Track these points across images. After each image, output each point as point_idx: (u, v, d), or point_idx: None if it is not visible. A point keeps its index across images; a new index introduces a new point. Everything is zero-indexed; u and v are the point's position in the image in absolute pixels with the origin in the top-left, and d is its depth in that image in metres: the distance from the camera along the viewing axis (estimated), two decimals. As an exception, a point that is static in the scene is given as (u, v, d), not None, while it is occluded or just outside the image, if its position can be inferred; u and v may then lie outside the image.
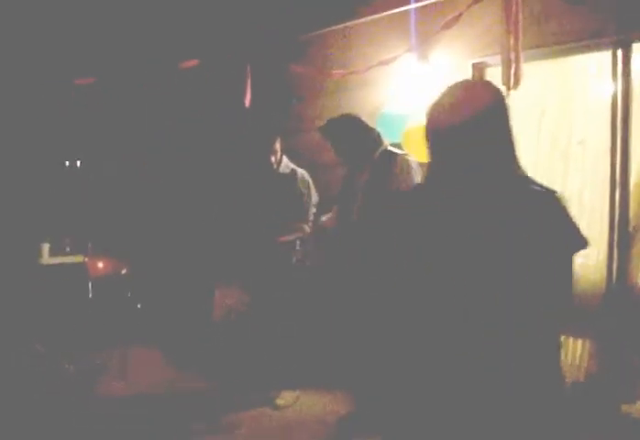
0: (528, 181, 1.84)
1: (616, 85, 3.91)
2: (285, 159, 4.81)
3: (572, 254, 1.79)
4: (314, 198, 4.80)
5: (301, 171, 4.80)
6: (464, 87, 2.03)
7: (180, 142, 6.29)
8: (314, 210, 4.78)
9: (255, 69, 5.09)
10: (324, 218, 4.52)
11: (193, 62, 4.97)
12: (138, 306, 5.68)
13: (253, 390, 4.76)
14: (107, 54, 5.85)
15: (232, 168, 5.35)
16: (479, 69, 4.58)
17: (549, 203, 1.78)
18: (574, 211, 1.80)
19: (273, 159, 4.72)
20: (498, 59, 4.08)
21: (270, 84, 5.49)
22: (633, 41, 3.85)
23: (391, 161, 3.90)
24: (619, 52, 3.89)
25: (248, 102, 5.01)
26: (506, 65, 3.90)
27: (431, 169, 1.99)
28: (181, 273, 6.04)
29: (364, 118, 4.14)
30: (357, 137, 4.00)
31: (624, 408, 3.73)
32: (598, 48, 3.96)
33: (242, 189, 4.92)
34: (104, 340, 5.39)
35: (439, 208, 1.89)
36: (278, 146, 4.74)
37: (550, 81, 4.35)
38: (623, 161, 3.91)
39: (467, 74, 4.53)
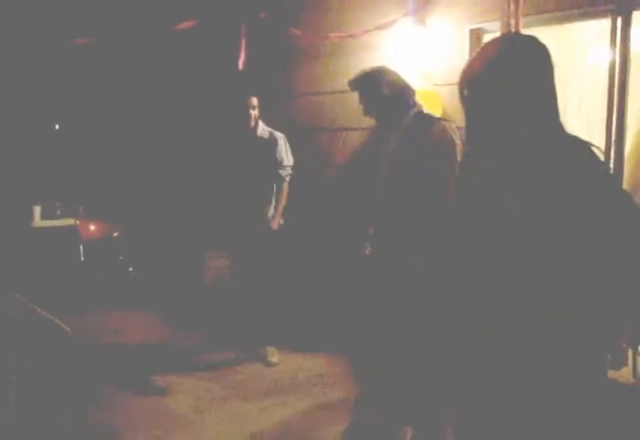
0: (572, 139, 1.81)
1: (614, 52, 3.86)
2: (261, 122, 4.72)
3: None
4: (291, 161, 4.79)
5: (279, 135, 4.75)
6: (505, 41, 1.96)
7: (171, 105, 6.24)
8: (290, 172, 4.78)
9: (250, 31, 5.01)
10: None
11: (190, 23, 4.87)
12: (130, 269, 5.67)
13: (244, 347, 4.86)
14: (101, 15, 5.75)
15: (217, 132, 5.28)
16: (476, 35, 4.51)
17: (594, 160, 1.77)
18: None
19: (252, 112, 4.62)
20: (496, 25, 4.08)
21: (265, 47, 5.42)
22: (633, 8, 3.80)
23: (426, 127, 3.24)
24: (618, 20, 3.84)
25: (242, 64, 4.97)
26: (506, 31, 3.88)
27: (471, 132, 1.93)
28: (172, 237, 6.03)
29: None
30: (385, 92, 3.33)
31: (612, 374, 3.78)
32: (598, 15, 3.92)
33: (224, 154, 4.85)
34: (97, 302, 5.42)
35: (492, 177, 1.84)
36: (255, 105, 4.63)
37: (549, 47, 4.31)
38: (618, 128, 3.88)
39: (464, 40, 4.50)
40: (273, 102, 4.80)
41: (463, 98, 1.89)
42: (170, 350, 4.94)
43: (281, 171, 4.72)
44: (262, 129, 4.72)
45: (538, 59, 1.83)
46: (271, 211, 4.75)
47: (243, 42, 4.97)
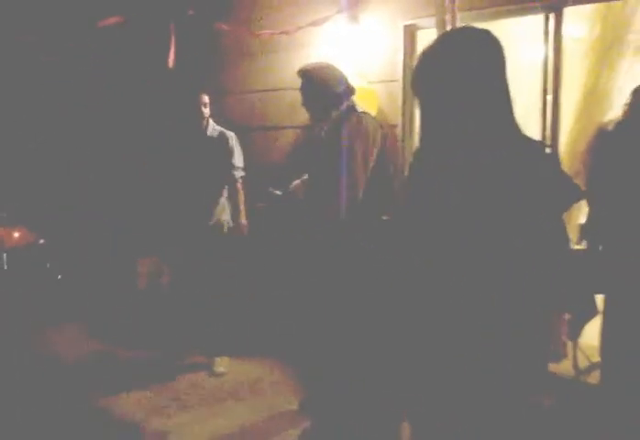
0: (522, 137, 1.80)
1: (547, 49, 3.91)
2: (212, 121, 4.61)
3: (571, 204, 1.80)
4: (242, 162, 4.67)
5: (230, 134, 4.63)
6: (456, 34, 1.93)
7: (101, 104, 5.96)
8: (242, 173, 4.65)
9: (179, 28, 4.86)
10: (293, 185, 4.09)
11: (115, 19, 4.67)
12: (59, 277, 5.41)
13: (185, 357, 4.72)
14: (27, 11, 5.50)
15: (157, 132, 5.11)
16: (410, 31, 4.48)
17: (545, 158, 1.79)
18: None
19: (204, 110, 4.51)
20: (431, 21, 4.02)
21: (195, 45, 5.28)
22: (564, 6, 3.84)
23: (348, 118, 3.45)
24: (551, 16, 3.88)
25: (171, 62, 4.78)
26: (441, 27, 3.85)
27: (424, 127, 1.88)
28: (102, 242, 5.78)
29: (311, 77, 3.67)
30: (320, 87, 3.57)
31: (552, 367, 3.82)
32: (531, 11, 3.94)
33: (169, 155, 4.70)
34: (23, 314, 5.15)
35: (439, 175, 1.81)
36: (206, 103, 4.52)
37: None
38: (553, 126, 3.93)
39: (398, 36, 4.46)
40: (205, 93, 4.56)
41: (416, 93, 1.85)
42: (105, 362, 4.73)
43: (234, 172, 4.59)
44: (213, 128, 4.60)
45: (491, 52, 1.77)
46: (224, 215, 4.63)
47: (172, 40, 4.78)
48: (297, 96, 4.43)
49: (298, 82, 3.96)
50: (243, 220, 4.59)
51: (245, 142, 4.79)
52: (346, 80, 3.61)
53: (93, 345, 5.01)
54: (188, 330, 4.69)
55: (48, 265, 5.34)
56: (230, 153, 4.57)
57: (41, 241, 5.28)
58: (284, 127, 5.07)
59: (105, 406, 4.00)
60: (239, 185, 4.61)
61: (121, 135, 5.83)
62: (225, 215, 4.63)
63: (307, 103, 3.66)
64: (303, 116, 4.65)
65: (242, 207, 4.59)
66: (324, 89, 3.54)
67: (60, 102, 5.97)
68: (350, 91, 3.59)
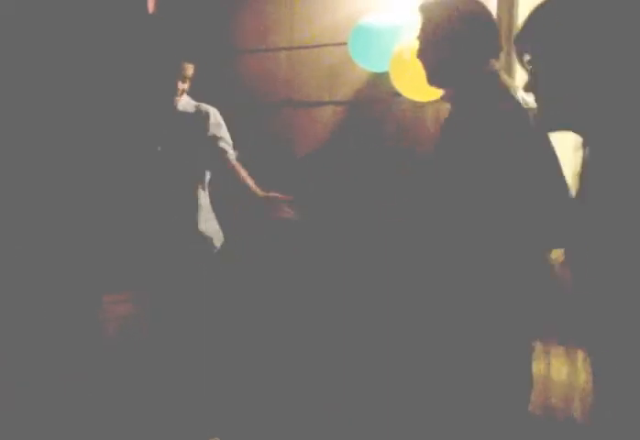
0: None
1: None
2: (185, 94, 3.64)
3: None
4: (229, 138, 3.72)
5: (209, 109, 3.69)
6: None
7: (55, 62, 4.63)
8: (234, 154, 3.67)
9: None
10: None
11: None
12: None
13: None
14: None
15: (116, 109, 4.01)
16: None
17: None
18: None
19: (180, 86, 3.55)
20: None
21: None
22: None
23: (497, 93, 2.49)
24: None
25: (152, 5, 3.78)
26: None
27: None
28: (52, 275, 4.57)
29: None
30: (454, 32, 2.50)
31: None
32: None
33: (126, 138, 3.73)
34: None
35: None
36: (188, 77, 3.53)
37: None
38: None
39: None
40: (200, 63, 3.61)
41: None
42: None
43: (221, 145, 3.63)
44: (187, 102, 3.64)
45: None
46: (204, 223, 3.65)
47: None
48: (340, 56, 3.79)
49: (342, 35, 3.51)
50: (270, 193, 3.51)
51: (259, 124, 4.00)
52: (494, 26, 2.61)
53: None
54: (173, 401, 3.69)
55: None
56: (212, 129, 3.64)
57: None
58: (322, 103, 4.07)
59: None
60: (233, 161, 3.65)
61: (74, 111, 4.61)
62: (212, 224, 3.72)
63: (426, 56, 2.59)
64: (348, 87, 3.89)
65: (251, 183, 3.56)
66: (460, 35, 2.47)
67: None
68: (497, 46, 2.58)
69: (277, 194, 3.48)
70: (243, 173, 3.61)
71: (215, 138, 3.66)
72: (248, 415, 3.90)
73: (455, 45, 2.46)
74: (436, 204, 2.54)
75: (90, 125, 4.04)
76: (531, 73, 1.49)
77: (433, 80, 2.59)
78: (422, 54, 2.55)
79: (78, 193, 4.15)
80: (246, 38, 4.30)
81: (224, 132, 3.72)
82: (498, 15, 3.45)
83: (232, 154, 3.68)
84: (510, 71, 3.45)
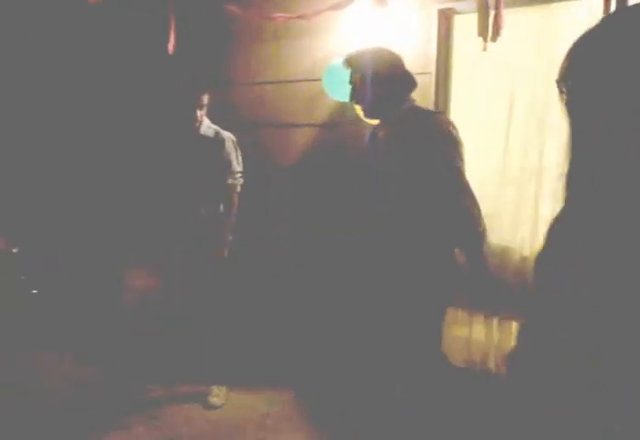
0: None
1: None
2: (206, 118, 4.05)
3: None
4: (240, 166, 4.14)
5: (227, 134, 4.09)
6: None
7: (87, 96, 5.30)
8: (241, 180, 4.12)
9: (181, 8, 4.29)
10: None
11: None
12: (34, 292, 4.79)
13: (177, 385, 4.18)
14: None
15: (146, 129, 4.50)
16: (446, 16, 3.90)
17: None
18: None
19: (199, 114, 3.96)
20: (470, 4, 3.59)
21: (199, 28, 4.70)
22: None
23: (421, 120, 2.90)
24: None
25: (171, 48, 4.22)
26: (482, 12, 3.40)
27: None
28: (84, 251, 5.16)
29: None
30: (394, 76, 2.96)
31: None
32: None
33: (156, 155, 4.14)
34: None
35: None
36: (204, 105, 3.97)
37: (530, 31, 3.69)
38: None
39: (431, 23, 3.90)
40: (207, 92, 4.03)
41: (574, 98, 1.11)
42: (86, 393, 4.11)
43: (230, 180, 4.07)
44: (207, 127, 4.05)
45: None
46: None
47: (172, 22, 4.20)
48: (314, 89, 4.17)
49: (316, 72, 3.76)
50: (227, 234, 4.04)
51: (252, 141, 4.33)
52: (405, 68, 3.04)
53: (71, 373, 4.37)
54: (181, 353, 4.16)
55: (22, 277, 4.73)
56: (227, 156, 4.05)
57: (15, 250, 4.67)
58: (300, 125, 4.51)
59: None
60: (235, 197, 4.09)
61: (107, 130, 5.18)
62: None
63: (359, 96, 3.01)
64: (322, 113, 4.32)
65: (231, 219, 4.06)
66: (383, 78, 2.93)
67: (39, 95, 5.32)
68: (413, 81, 3.02)
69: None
70: (233, 209, 4.04)
71: (227, 170, 4.04)
72: (250, 366, 4.27)
73: (381, 86, 2.92)
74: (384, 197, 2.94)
75: (133, 143, 4.58)
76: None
77: (369, 115, 3.09)
78: (355, 97, 3.02)
79: (122, 195, 4.80)
80: (240, 73, 4.73)
81: (236, 161, 4.07)
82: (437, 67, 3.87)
83: (237, 188, 4.07)
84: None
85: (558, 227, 1.17)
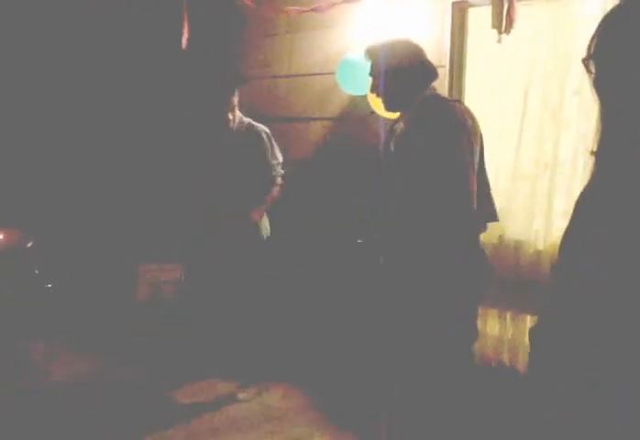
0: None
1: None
2: (238, 112, 4.11)
3: None
4: (280, 157, 4.23)
5: (260, 127, 4.16)
6: None
7: (105, 92, 5.32)
8: (281, 171, 4.21)
9: (194, 3, 4.27)
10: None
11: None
12: (49, 286, 4.80)
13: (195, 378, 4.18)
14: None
15: (173, 124, 4.60)
16: (460, 9, 3.89)
17: None
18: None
19: (230, 116, 4.04)
20: None
21: (211, 22, 4.69)
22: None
23: (437, 108, 2.82)
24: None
25: (185, 42, 4.20)
26: (497, 5, 3.37)
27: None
28: (99, 245, 5.18)
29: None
30: (415, 67, 2.89)
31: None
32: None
33: (189, 151, 4.25)
34: (7, 329, 4.54)
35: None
36: (234, 106, 4.06)
37: (544, 23, 3.66)
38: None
39: (445, 16, 3.88)
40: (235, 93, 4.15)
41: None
42: (102, 386, 4.11)
43: (271, 173, 4.18)
44: (240, 123, 4.15)
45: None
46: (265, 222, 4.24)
47: (185, 17, 4.20)
48: (328, 83, 4.17)
49: (329, 66, 3.75)
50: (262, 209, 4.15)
51: None
52: (426, 58, 2.96)
53: (87, 366, 4.37)
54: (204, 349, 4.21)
55: (36, 271, 4.75)
56: (263, 152, 4.14)
57: (29, 244, 4.68)
58: (312, 119, 4.52)
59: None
60: (277, 189, 4.20)
61: (123, 126, 5.22)
62: (265, 222, 4.25)
63: (380, 88, 2.94)
64: (335, 106, 4.34)
65: (269, 201, 4.18)
66: (404, 69, 2.85)
67: (56, 92, 5.32)
68: (434, 72, 2.95)
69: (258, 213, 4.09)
70: (274, 194, 4.16)
71: (269, 166, 4.14)
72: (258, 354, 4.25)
73: (402, 77, 2.85)
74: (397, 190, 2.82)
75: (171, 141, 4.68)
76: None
77: (389, 108, 3.01)
78: (376, 89, 2.95)
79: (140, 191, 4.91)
80: (253, 67, 4.78)
81: (269, 155, 4.16)
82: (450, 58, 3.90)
83: (278, 180, 4.17)
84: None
85: (587, 204, 1.17)
